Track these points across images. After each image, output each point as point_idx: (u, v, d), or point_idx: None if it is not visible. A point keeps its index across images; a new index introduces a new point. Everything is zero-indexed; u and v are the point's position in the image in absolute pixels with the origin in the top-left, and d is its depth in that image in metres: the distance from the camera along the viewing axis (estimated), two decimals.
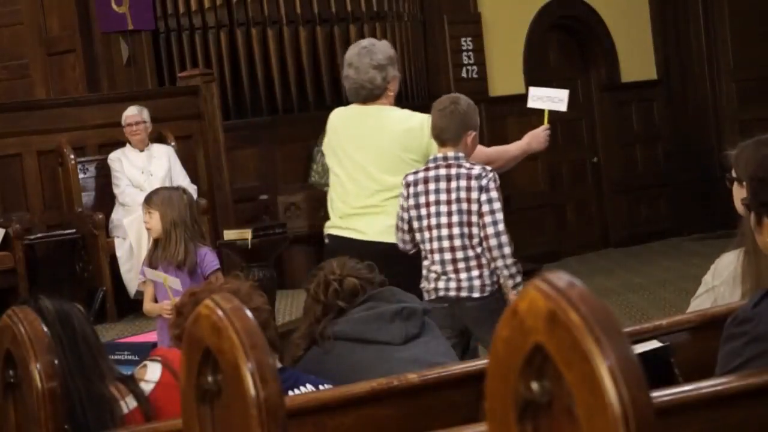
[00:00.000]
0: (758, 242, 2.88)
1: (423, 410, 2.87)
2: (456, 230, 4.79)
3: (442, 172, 4.85)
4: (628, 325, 3.21)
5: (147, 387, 3.22)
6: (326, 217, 9.70)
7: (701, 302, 3.57)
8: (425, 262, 4.86)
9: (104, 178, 8.57)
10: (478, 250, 4.78)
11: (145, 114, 8.49)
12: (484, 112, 11.29)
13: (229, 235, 8.21)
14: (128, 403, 3.13)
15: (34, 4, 9.94)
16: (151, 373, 3.27)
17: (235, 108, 9.86)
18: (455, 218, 4.79)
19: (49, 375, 2.64)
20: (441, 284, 4.81)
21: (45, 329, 2.72)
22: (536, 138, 5.54)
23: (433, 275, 4.83)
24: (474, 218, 4.77)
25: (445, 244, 4.80)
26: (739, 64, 12.65)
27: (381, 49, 5.36)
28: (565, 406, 1.54)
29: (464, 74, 11.20)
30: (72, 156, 8.44)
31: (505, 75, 11.55)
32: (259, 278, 6.80)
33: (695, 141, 12.64)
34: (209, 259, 5.31)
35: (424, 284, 4.86)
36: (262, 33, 10.01)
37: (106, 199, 8.52)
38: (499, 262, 4.78)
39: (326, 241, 5.45)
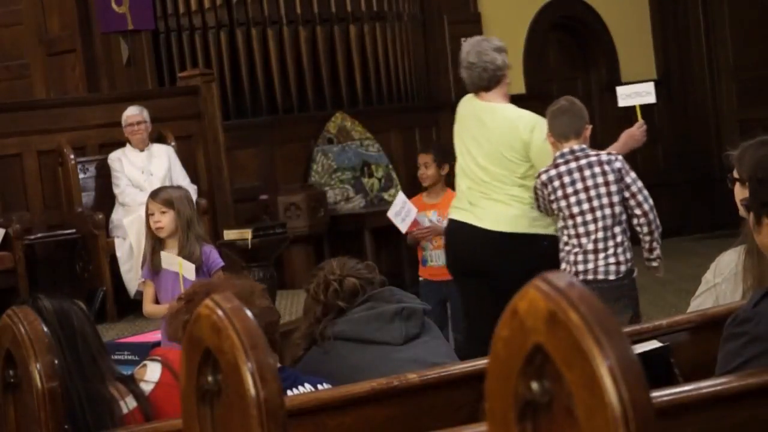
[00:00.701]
0: (758, 242, 2.87)
1: (423, 410, 2.87)
2: (598, 213, 5.22)
3: (573, 165, 5.27)
4: (629, 325, 3.21)
5: (147, 387, 3.22)
6: (325, 218, 9.76)
7: (702, 301, 3.57)
8: (566, 247, 5.28)
9: (104, 178, 8.56)
10: (616, 230, 5.23)
11: (146, 114, 8.49)
12: None
13: (229, 235, 8.21)
14: (128, 404, 3.12)
15: (34, 4, 9.95)
16: (151, 373, 3.27)
17: (235, 108, 9.86)
18: (596, 203, 5.22)
19: (49, 375, 2.64)
20: (580, 266, 5.22)
21: (45, 329, 2.72)
22: (632, 137, 5.78)
23: (572, 257, 5.25)
24: (615, 199, 5.22)
25: (591, 227, 5.23)
26: (739, 64, 12.64)
27: (495, 38, 5.83)
28: (565, 406, 1.54)
29: None
30: (72, 156, 8.44)
31: None
32: (259, 278, 6.80)
33: (695, 141, 12.64)
34: (214, 256, 5.29)
35: (564, 266, 5.27)
36: (262, 33, 10.01)
37: (106, 199, 8.52)
38: (656, 234, 5.30)
39: (449, 222, 5.85)
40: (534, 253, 5.42)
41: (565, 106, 5.35)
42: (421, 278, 6.87)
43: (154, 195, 5.33)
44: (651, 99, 5.81)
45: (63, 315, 3.10)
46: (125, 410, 3.10)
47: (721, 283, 3.50)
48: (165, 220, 5.20)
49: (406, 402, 2.86)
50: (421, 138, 10.67)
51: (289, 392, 3.07)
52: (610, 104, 12.42)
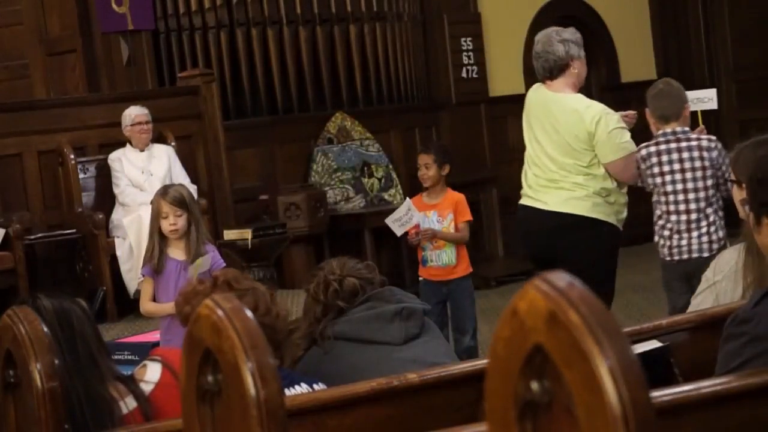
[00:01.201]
0: (758, 242, 2.88)
1: (423, 410, 2.87)
2: (691, 195, 5.56)
3: (673, 145, 5.60)
4: (628, 325, 3.21)
5: (147, 387, 3.21)
6: (325, 218, 9.75)
7: (703, 299, 3.57)
8: (660, 221, 5.67)
9: (104, 178, 8.56)
10: (709, 210, 5.56)
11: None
12: (483, 112, 11.30)
13: (229, 235, 8.22)
14: (128, 404, 3.12)
15: (34, 4, 9.94)
16: (151, 373, 3.27)
17: (235, 108, 9.86)
18: (690, 185, 5.56)
19: (49, 375, 2.64)
20: (674, 242, 5.58)
21: (45, 329, 2.72)
22: None
23: (666, 232, 5.62)
24: (708, 183, 5.55)
25: (681, 207, 5.58)
26: (739, 64, 12.64)
27: (568, 30, 6.00)
28: (565, 406, 1.54)
29: (464, 74, 11.20)
30: (72, 156, 8.44)
31: (505, 75, 11.55)
32: (259, 278, 6.80)
33: None
34: (216, 257, 5.26)
35: (658, 240, 5.67)
36: (262, 33, 10.01)
37: (106, 199, 8.52)
38: None
39: (519, 209, 6.06)
40: (594, 238, 5.70)
41: (666, 89, 5.69)
42: (421, 278, 6.87)
43: (165, 195, 5.19)
44: (713, 105, 6.07)
45: (63, 315, 3.09)
46: (125, 410, 3.10)
47: (721, 280, 3.50)
48: (181, 223, 5.11)
49: (406, 402, 2.86)
50: (421, 138, 10.67)
51: (286, 391, 3.08)
52: (610, 104, 12.42)
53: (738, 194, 3.34)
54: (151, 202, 5.40)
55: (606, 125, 5.67)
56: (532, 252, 6.01)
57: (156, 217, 5.19)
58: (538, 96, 5.90)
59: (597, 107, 5.80)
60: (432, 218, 6.75)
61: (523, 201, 5.97)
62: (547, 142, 5.79)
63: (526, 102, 6.01)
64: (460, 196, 6.86)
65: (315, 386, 3.18)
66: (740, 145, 3.34)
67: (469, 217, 6.80)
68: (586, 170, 5.71)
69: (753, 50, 12.44)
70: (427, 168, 6.83)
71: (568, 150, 5.72)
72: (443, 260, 6.74)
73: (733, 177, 3.39)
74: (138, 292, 7.76)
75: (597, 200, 5.71)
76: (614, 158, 5.68)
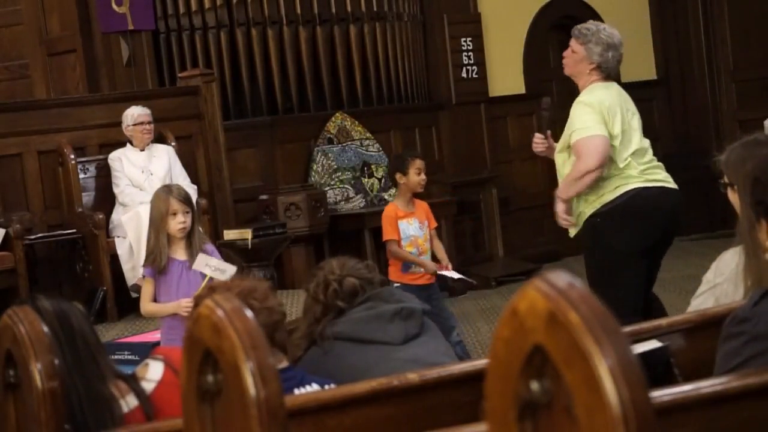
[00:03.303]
0: (759, 240, 2.88)
1: (423, 410, 2.87)
2: None
3: None
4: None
5: (148, 386, 3.21)
6: (325, 218, 9.72)
7: (703, 300, 3.56)
8: None
9: (104, 178, 8.57)
10: None
11: None
12: (483, 112, 11.30)
13: (229, 235, 8.22)
14: (129, 402, 3.12)
15: (34, 4, 9.95)
16: (153, 371, 3.27)
17: (235, 108, 9.86)
18: None
19: (50, 375, 2.64)
20: None
21: (45, 329, 2.72)
22: None
23: None
24: None
25: None
26: (739, 64, 12.65)
27: None
28: (565, 406, 1.54)
29: (464, 74, 11.20)
30: (72, 156, 8.44)
31: (505, 75, 11.55)
32: (259, 278, 6.78)
33: (695, 141, 12.64)
34: (216, 255, 5.26)
35: None
36: (262, 33, 10.01)
37: (106, 199, 8.52)
38: None
39: (638, 192, 5.93)
40: None
41: None
42: (397, 284, 6.57)
43: (172, 193, 5.12)
44: None
45: (63, 315, 3.09)
46: (126, 409, 3.09)
47: (722, 282, 3.50)
48: (188, 221, 5.08)
49: (406, 402, 2.86)
50: (421, 138, 10.68)
51: (296, 391, 3.08)
52: None
53: (732, 196, 3.34)
54: (151, 202, 5.35)
55: None
56: (662, 229, 6.01)
57: (162, 216, 5.10)
58: (619, 90, 6.11)
59: None
60: (414, 225, 6.73)
61: (643, 184, 5.98)
62: (638, 132, 5.99)
63: (607, 95, 6.04)
64: (426, 204, 6.92)
65: (326, 387, 3.17)
66: (729, 148, 3.34)
67: (436, 223, 6.93)
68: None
69: (753, 50, 12.45)
70: (425, 173, 6.84)
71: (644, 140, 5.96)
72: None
73: (726, 180, 3.38)
74: (135, 285, 7.78)
75: None
76: None
